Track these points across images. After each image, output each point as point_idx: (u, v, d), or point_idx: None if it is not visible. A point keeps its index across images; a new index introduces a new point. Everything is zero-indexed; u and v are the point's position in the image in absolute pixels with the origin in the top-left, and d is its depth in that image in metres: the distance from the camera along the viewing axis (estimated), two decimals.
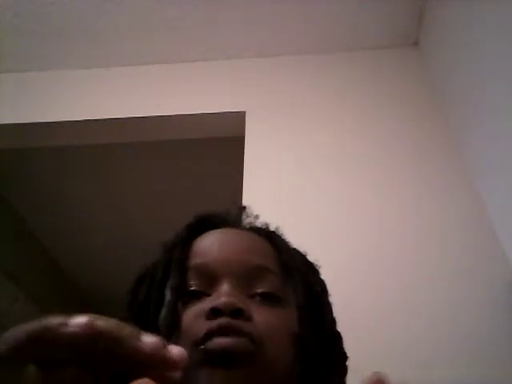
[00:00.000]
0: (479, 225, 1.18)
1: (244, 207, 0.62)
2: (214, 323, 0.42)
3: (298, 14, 1.59)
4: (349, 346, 0.54)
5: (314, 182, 1.33)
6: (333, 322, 0.54)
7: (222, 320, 0.42)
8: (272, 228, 0.61)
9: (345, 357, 0.53)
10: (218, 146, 1.95)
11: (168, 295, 0.47)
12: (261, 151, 1.42)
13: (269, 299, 0.47)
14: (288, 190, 1.33)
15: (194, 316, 0.44)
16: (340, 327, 0.55)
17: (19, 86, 1.73)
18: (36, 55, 1.72)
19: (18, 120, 1.62)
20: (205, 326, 0.42)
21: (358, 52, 1.66)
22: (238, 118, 1.51)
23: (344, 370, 0.52)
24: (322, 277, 0.59)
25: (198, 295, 0.47)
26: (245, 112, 1.52)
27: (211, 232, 0.54)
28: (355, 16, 1.60)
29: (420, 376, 0.92)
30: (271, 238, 0.57)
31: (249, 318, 0.43)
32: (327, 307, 0.55)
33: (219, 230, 0.55)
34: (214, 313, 0.42)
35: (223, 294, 0.45)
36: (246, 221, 0.61)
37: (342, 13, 1.59)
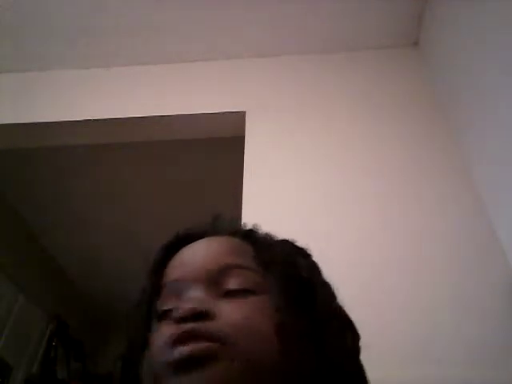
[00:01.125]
0: (479, 225, 1.18)
1: (218, 215, 0.60)
2: (171, 330, 0.42)
3: (298, 14, 1.59)
4: None
5: (314, 182, 1.33)
6: (328, 302, 0.51)
7: (183, 327, 0.41)
8: (248, 227, 0.59)
9: (352, 336, 0.49)
10: (218, 145, 1.95)
11: (141, 317, 0.48)
12: (261, 151, 1.42)
13: (240, 294, 0.45)
14: (288, 190, 1.33)
15: (165, 329, 0.44)
16: None
17: (19, 85, 1.73)
18: (36, 55, 1.72)
19: (18, 120, 1.62)
20: (167, 333, 0.42)
21: (358, 52, 1.66)
22: (238, 118, 1.51)
23: (353, 352, 0.48)
24: (326, 276, 0.59)
25: (171, 312, 0.46)
26: (245, 112, 1.52)
27: (183, 248, 0.53)
28: (355, 16, 1.60)
29: (420, 376, 0.92)
30: (246, 236, 0.56)
31: (213, 317, 0.42)
32: (320, 290, 0.52)
33: (190, 245, 0.53)
34: (179, 322, 0.42)
35: (184, 302, 0.44)
36: (223, 227, 0.59)
37: (342, 13, 1.58)
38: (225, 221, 0.59)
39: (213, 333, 0.41)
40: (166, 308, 0.47)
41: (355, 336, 0.51)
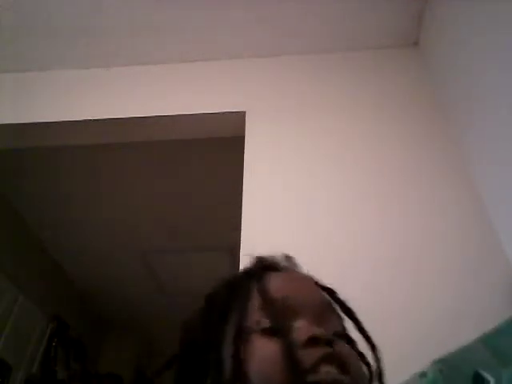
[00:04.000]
0: (479, 225, 1.18)
1: (290, 257, 0.63)
2: (319, 351, 0.42)
3: (298, 14, 1.59)
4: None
5: (313, 182, 1.33)
6: None
7: (328, 349, 0.43)
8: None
9: None
10: (218, 145, 1.95)
11: (244, 331, 0.47)
12: (261, 151, 1.42)
13: (343, 337, 0.49)
14: (288, 189, 1.33)
15: (285, 346, 0.44)
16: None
17: (19, 85, 1.73)
18: (36, 55, 1.72)
19: (18, 120, 1.62)
20: (307, 352, 0.42)
21: (358, 52, 1.66)
22: (238, 118, 1.51)
23: None
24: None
25: (279, 329, 0.46)
26: (245, 112, 1.52)
27: (277, 273, 0.55)
28: (355, 16, 1.59)
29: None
30: (319, 284, 0.59)
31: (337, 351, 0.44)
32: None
33: (284, 272, 0.56)
34: (313, 341, 0.43)
35: (312, 325, 0.46)
36: (293, 267, 0.62)
37: (342, 13, 1.58)
38: (294, 263, 0.62)
39: (350, 371, 0.43)
40: (273, 324, 0.46)
41: None
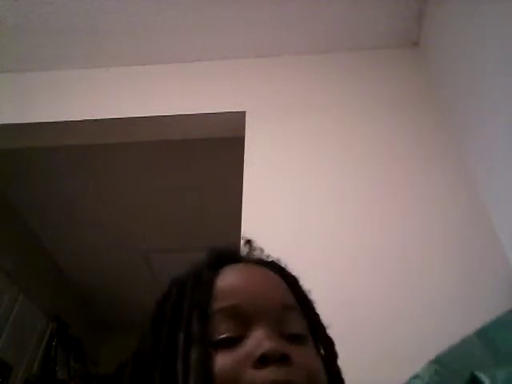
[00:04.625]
0: (479, 225, 1.18)
1: (250, 241, 0.61)
2: (268, 376, 0.41)
3: (298, 14, 1.59)
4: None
5: (314, 182, 1.33)
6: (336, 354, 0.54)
7: (275, 373, 0.41)
8: (278, 261, 0.60)
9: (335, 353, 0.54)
10: (218, 145, 1.95)
11: (196, 342, 0.44)
12: (261, 151, 1.42)
13: (300, 339, 0.47)
14: (288, 189, 1.33)
15: (235, 363, 0.43)
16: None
17: (19, 85, 1.73)
18: (36, 55, 1.72)
19: (18, 120, 1.62)
20: (257, 375, 0.41)
21: (358, 52, 1.66)
22: (238, 118, 1.51)
23: None
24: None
25: (232, 340, 0.44)
26: (245, 112, 1.52)
27: (230, 269, 0.52)
28: (355, 16, 1.59)
29: None
30: (282, 273, 0.56)
31: (291, 363, 0.43)
32: (328, 336, 0.54)
33: (238, 267, 0.53)
34: (262, 361, 0.42)
35: (264, 337, 0.44)
36: (254, 254, 0.60)
37: (342, 13, 1.58)
38: (254, 247, 0.60)
39: (299, 381, 0.42)
40: (227, 336, 0.45)
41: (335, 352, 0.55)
